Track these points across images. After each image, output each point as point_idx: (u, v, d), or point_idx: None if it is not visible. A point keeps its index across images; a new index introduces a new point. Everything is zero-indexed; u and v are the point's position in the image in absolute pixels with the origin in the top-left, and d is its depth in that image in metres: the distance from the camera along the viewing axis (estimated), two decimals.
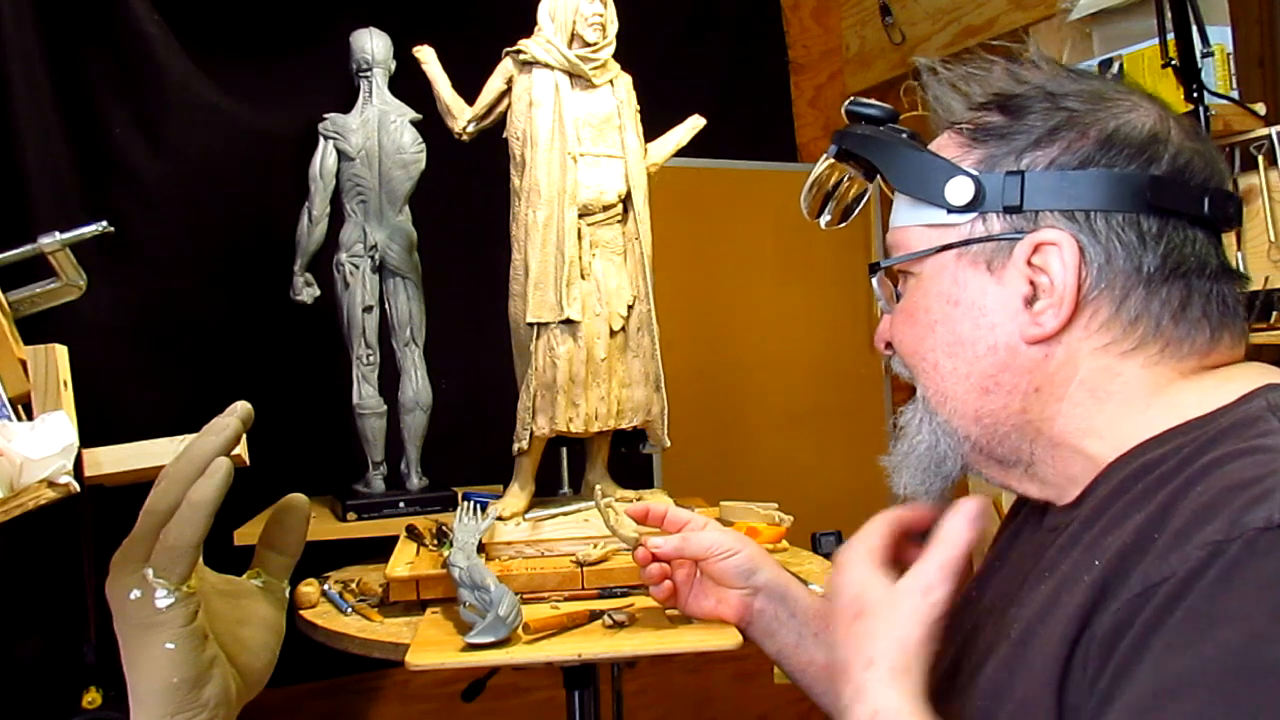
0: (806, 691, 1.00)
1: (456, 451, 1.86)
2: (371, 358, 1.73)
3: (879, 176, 0.77)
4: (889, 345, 0.78)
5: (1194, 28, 1.49)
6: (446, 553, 1.27)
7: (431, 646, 1.13)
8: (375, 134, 1.70)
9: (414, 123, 1.72)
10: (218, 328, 1.83)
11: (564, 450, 1.58)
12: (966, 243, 0.70)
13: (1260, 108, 1.57)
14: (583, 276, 1.43)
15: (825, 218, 0.87)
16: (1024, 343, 0.68)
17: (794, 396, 2.50)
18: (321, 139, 1.70)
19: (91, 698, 1.51)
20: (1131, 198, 0.65)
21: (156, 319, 1.78)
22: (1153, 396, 0.66)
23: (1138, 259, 0.66)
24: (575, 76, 1.44)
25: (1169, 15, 1.51)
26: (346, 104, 1.73)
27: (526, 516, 1.42)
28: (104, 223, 1.13)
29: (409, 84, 1.66)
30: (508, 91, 1.46)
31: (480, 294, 1.64)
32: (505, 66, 1.46)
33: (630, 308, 1.47)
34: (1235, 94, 1.57)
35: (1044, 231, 0.66)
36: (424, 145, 1.72)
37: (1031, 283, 0.67)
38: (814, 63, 2.63)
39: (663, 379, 1.49)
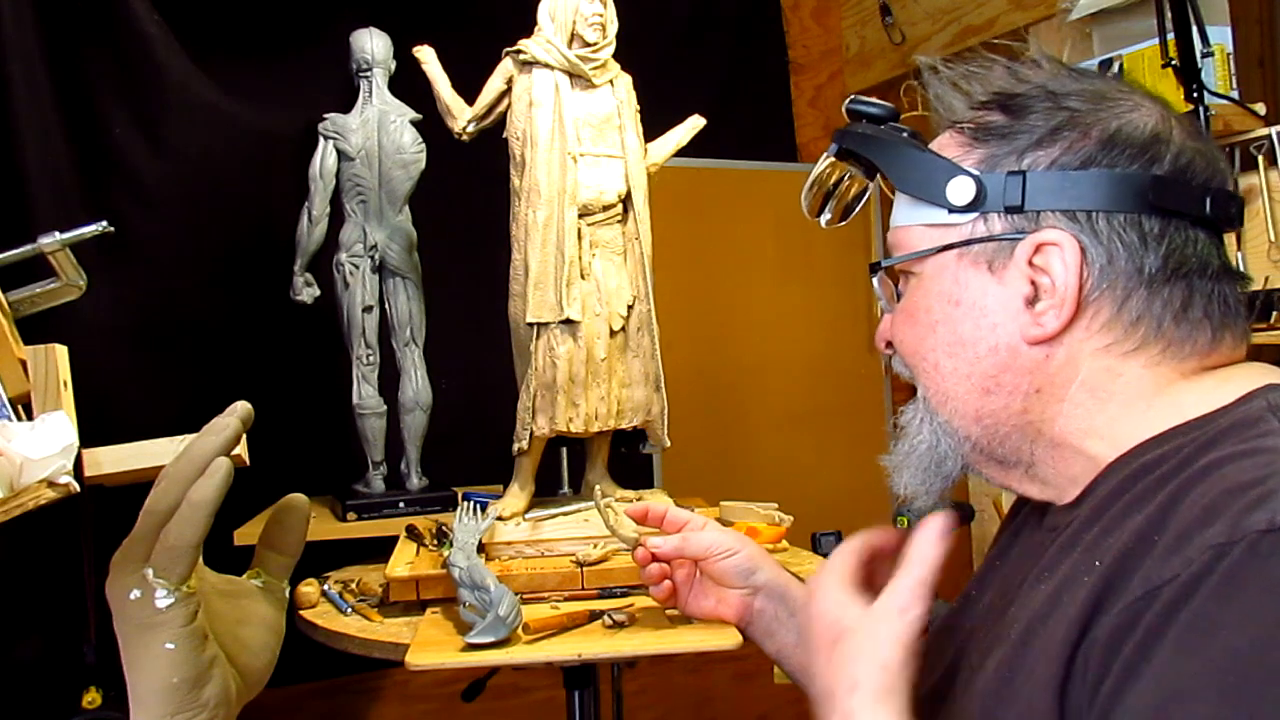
0: (806, 691, 1.00)
1: (456, 451, 1.86)
2: (371, 358, 1.73)
3: (879, 176, 0.77)
4: (890, 345, 0.78)
5: (1194, 28, 1.49)
6: (446, 553, 1.27)
7: (431, 646, 1.13)
8: (375, 134, 1.70)
9: (414, 123, 1.72)
10: (218, 328, 1.83)
11: (564, 450, 1.58)
12: (968, 243, 0.69)
13: (1260, 108, 1.57)
14: (583, 276, 1.43)
15: (825, 216, 0.87)
16: (1025, 343, 0.68)
17: (794, 396, 2.50)
18: (321, 139, 1.70)
19: (91, 698, 1.51)
20: (1133, 198, 0.65)
21: (156, 319, 1.78)
22: (1154, 397, 0.66)
23: (1139, 259, 0.65)
24: (575, 76, 1.44)
25: (1169, 15, 1.51)
26: (346, 104, 1.73)
27: (526, 516, 1.42)
28: (104, 223, 1.13)
29: (409, 84, 1.66)
30: (508, 91, 1.46)
31: (480, 294, 1.64)
32: (505, 66, 1.46)
33: (630, 308, 1.47)
34: (1235, 94, 1.58)
35: (1045, 232, 0.66)
36: (424, 145, 1.72)
37: (1033, 283, 0.67)
38: (814, 63, 2.63)
39: (663, 379, 1.49)
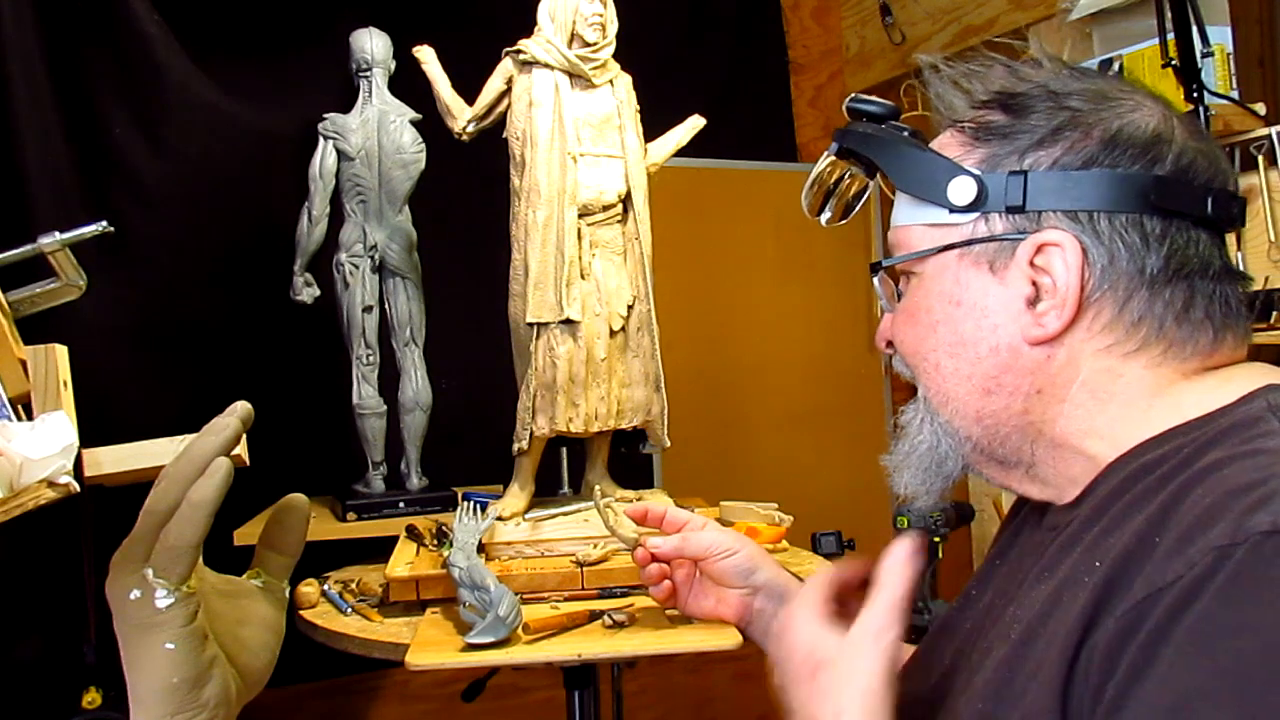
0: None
1: (456, 451, 1.86)
2: (371, 358, 1.73)
3: (879, 175, 0.76)
4: (890, 345, 0.78)
5: (1194, 28, 1.49)
6: (446, 553, 1.27)
7: (431, 646, 1.13)
8: (375, 134, 1.70)
9: (414, 123, 1.72)
10: (218, 328, 1.83)
11: (564, 450, 1.58)
12: (969, 243, 0.69)
13: (1260, 108, 1.57)
14: (583, 276, 1.43)
15: (826, 215, 0.87)
16: (1026, 344, 0.68)
17: (794, 396, 2.50)
18: (321, 139, 1.70)
19: (91, 698, 1.51)
20: (1135, 198, 0.65)
21: (156, 319, 1.78)
22: (1154, 397, 0.66)
23: (1141, 260, 0.65)
24: (575, 76, 1.44)
25: (1169, 15, 1.51)
26: (346, 104, 1.73)
27: (526, 516, 1.42)
28: (104, 223, 1.13)
29: (409, 84, 1.66)
30: (507, 91, 1.46)
31: (480, 294, 1.64)
32: (505, 66, 1.46)
33: (630, 308, 1.46)
34: (1235, 94, 1.58)
35: (1047, 232, 0.66)
36: (424, 145, 1.72)
37: (1034, 283, 0.67)
38: (814, 63, 2.63)
39: (663, 379, 1.48)
